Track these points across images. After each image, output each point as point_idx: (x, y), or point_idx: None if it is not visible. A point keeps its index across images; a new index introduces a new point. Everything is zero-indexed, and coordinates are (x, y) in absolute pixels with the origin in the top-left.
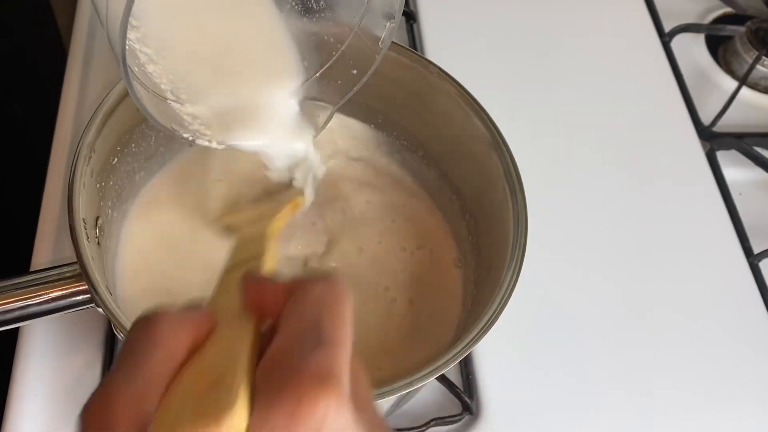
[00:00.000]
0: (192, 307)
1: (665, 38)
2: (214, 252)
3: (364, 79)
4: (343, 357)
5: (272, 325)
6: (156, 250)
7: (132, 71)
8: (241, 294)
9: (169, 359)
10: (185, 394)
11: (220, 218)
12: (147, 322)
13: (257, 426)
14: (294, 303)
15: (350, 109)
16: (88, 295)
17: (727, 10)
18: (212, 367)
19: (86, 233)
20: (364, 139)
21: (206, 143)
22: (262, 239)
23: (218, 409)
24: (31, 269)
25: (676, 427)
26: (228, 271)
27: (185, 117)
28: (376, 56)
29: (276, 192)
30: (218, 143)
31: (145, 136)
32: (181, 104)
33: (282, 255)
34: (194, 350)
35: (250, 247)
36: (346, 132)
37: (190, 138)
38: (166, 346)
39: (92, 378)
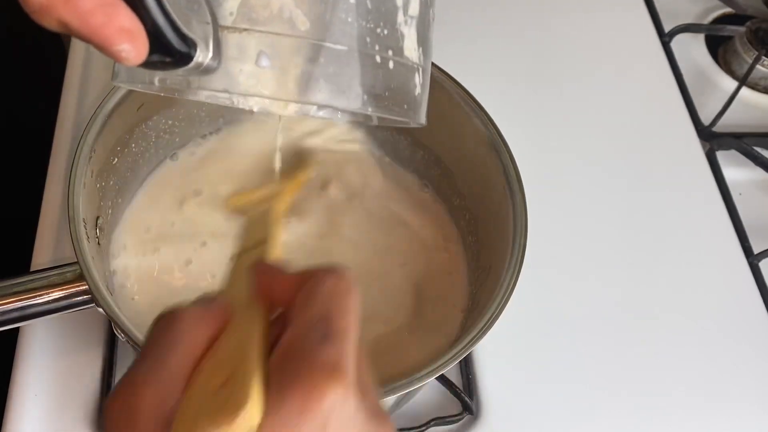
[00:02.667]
0: (209, 301)
1: (665, 38)
2: (215, 251)
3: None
4: (350, 348)
5: (282, 314)
6: (156, 249)
7: None
8: (250, 283)
9: (189, 354)
10: (202, 390)
11: (229, 201)
12: (168, 318)
13: (270, 420)
14: (304, 296)
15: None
16: (88, 295)
17: (727, 10)
18: (226, 361)
19: (86, 233)
20: (365, 139)
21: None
22: (268, 221)
23: (232, 406)
24: (32, 269)
25: (676, 427)
26: (237, 257)
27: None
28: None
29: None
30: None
31: (145, 136)
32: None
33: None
34: (213, 343)
35: (257, 230)
36: (346, 132)
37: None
38: (187, 341)
39: (92, 378)
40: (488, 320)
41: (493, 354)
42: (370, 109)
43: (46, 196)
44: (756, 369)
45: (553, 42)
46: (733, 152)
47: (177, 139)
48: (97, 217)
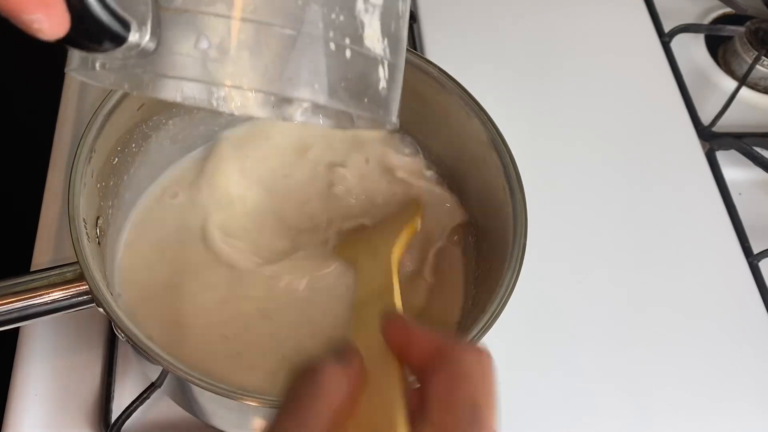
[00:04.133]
0: (344, 353)
1: (665, 38)
2: (215, 251)
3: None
4: None
5: (418, 378)
6: (156, 249)
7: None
8: (383, 334)
9: (330, 409)
10: None
11: (336, 251)
12: (309, 371)
13: None
14: (447, 369)
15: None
16: (88, 295)
17: (727, 10)
18: (370, 422)
19: (86, 233)
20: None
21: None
22: (386, 271)
23: None
24: (32, 269)
25: (675, 426)
26: (361, 305)
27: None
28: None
29: (379, 208)
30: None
31: (145, 136)
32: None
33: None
34: (351, 397)
35: (375, 278)
36: (346, 132)
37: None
38: (328, 395)
39: (92, 378)
40: (488, 320)
41: (493, 354)
42: (322, 99)
43: (46, 196)
44: (756, 369)
45: (554, 42)
46: (733, 152)
47: (178, 139)
48: (97, 217)
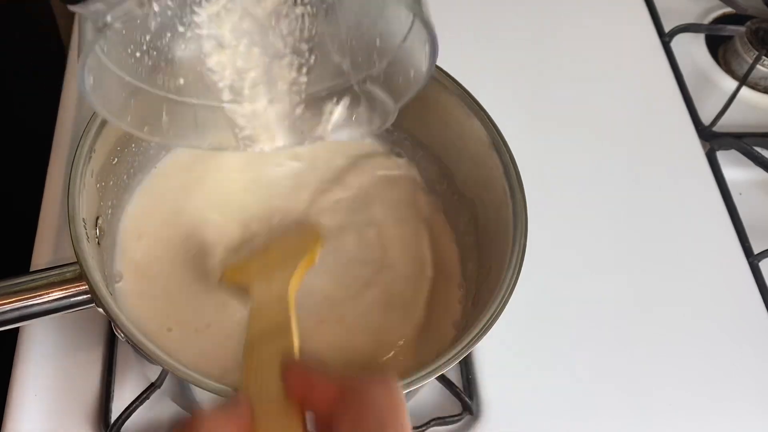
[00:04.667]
0: (232, 402)
1: (665, 38)
2: (213, 252)
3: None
4: None
5: (320, 422)
6: (156, 249)
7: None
8: (283, 382)
9: None
10: None
11: (225, 276)
12: (190, 423)
13: None
14: (352, 409)
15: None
16: (88, 295)
17: (727, 10)
18: None
19: (86, 233)
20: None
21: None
22: (282, 306)
23: None
24: (31, 269)
25: (675, 426)
26: (252, 345)
27: (240, 119)
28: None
29: (279, 227)
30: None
31: None
32: (240, 103)
33: None
34: None
35: (269, 312)
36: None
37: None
38: None
39: (92, 378)
40: (488, 320)
41: (493, 354)
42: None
43: (46, 196)
44: (756, 369)
45: (554, 42)
46: (733, 152)
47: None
48: (97, 217)
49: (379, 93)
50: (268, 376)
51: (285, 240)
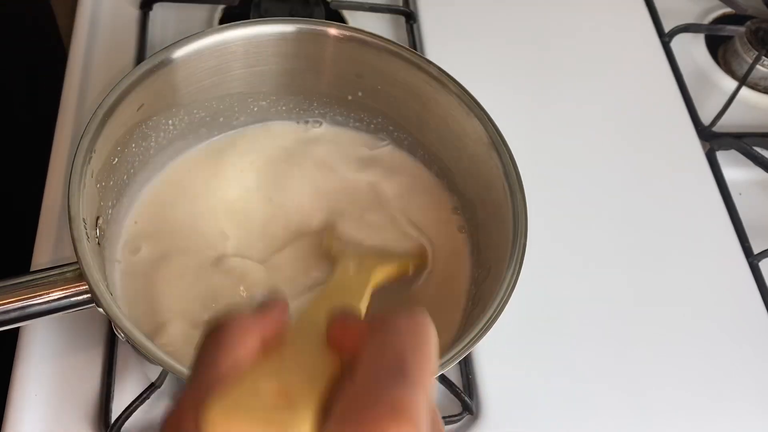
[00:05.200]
0: (266, 306)
1: (665, 38)
2: (213, 252)
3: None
4: (424, 396)
5: (349, 361)
6: (156, 249)
7: None
8: (326, 328)
9: (235, 367)
10: (250, 388)
11: (328, 238)
12: (216, 328)
13: None
14: (377, 336)
15: (350, 108)
16: (88, 295)
17: (727, 10)
18: (285, 371)
19: (86, 233)
20: (365, 139)
21: None
22: (363, 284)
23: (285, 423)
24: (32, 269)
25: (676, 426)
26: (323, 297)
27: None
28: None
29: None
30: None
31: (145, 136)
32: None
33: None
34: (265, 348)
35: (350, 285)
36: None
37: None
38: (232, 354)
39: (92, 378)
40: (488, 320)
41: (493, 354)
42: None
43: (46, 196)
44: (756, 369)
45: (554, 42)
46: (733, 152)
47: (177, 140)
48: (97, 217)
49: None
50: (318, 322)
51: (391, 250)
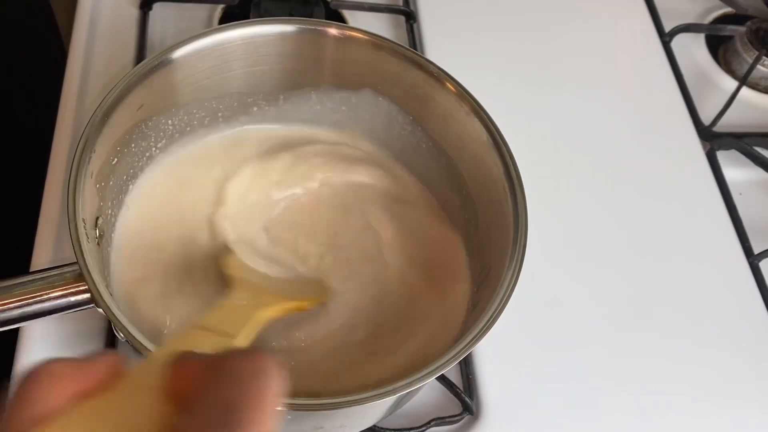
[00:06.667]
0: (92, 355)
1: (665, 38)
2: (212, 253)
3: None
4: None
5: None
6: (156, 250)
7: None
8: (166, 373)
9: (42, 415)
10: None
11: (225, 259)
12: (28, 375)
13: None
14: (209, 381)
15: (350, 108)
16: (88, 295)
17: (727, 10)
18: (95, 425)
19: (86, 233)
20: (365, 139)
21: None
22: (247, 320)
23: None
24: (31, 269)
25: (676, 426)
26: (193, 328)
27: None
28: None
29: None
30: None
31: (145, 136)
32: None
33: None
34: (86, 395)
35: (231, 318)
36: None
37: None
38: (39, 403)
39: None
40: (488, 320)
41: (493, 354)
42: None
43: (46, 196)
44: (756, 369)
45: (554, 42)
46: (733, 152)
47: (177, 140)
48: (97, 218)
49: None
50: (162, 363)
51: (292, 281)
